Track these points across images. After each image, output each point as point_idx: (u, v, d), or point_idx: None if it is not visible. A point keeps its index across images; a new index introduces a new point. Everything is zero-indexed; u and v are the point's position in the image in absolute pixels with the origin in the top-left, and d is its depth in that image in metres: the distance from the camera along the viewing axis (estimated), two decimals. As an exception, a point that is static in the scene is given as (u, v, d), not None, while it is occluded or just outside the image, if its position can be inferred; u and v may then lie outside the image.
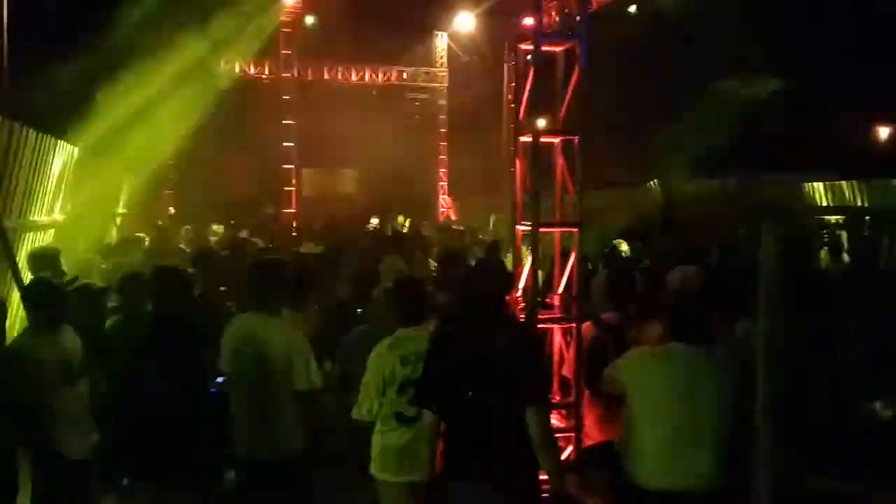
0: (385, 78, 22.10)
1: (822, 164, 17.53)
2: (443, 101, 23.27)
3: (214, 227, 12.09)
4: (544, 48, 4.70)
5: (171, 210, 20.09)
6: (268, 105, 20.72)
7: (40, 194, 7.50)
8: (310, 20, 19.64)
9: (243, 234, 11.22)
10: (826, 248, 8.25)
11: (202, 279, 5.62)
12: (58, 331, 4.07)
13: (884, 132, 21.30)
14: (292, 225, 17.74)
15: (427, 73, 22.83)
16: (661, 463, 3.43)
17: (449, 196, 23.72)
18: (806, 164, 17.95)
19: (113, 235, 11.15)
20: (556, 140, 4.87)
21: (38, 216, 7.49)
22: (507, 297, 4.45)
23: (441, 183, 23.57)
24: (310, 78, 20.90)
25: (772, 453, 3.52)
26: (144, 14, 15.99)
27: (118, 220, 11.94)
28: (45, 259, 5.84)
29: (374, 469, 4.23)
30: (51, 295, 4.16)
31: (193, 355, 3.94)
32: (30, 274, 5.79)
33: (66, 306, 4.18)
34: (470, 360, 3.40)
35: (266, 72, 20.58)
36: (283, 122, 20.22)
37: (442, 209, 23.35)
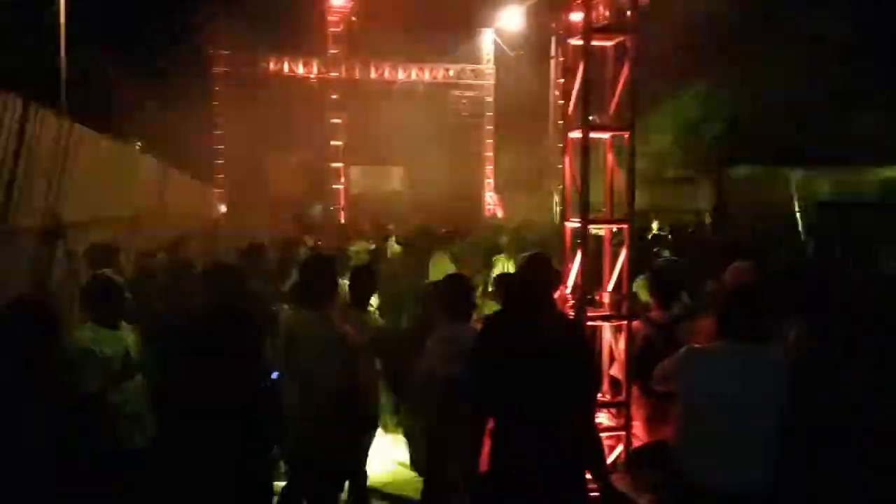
0: (432, 76, 22.18)
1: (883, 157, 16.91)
2: (489, 98, 23.26)
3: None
4: (594, 42, 4.65)
5: (222, 208, 20.47)
6: (316, 104, 20.96)
7: (101, 192, 7.71)
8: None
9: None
10: None
11: (252, 274, 5.69)
12: (116, 325, 4.16)
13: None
14: (340, 223, 17.92)
15: (473, 71, 22.83)
16: (715, 463, 3.37)
17: (495, 193, 23.70)
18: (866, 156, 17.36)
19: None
20: (607, 135, 4.81)
21: (100, 212, 7.69)
22: (555, 295, 4.43)
23: (487, 180, 23.56)
24: (357, 77, 21.09)
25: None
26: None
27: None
28: (103, 254, 5.98)
29: None
30: (110, 290, 4.25)
31: (249, 350, 3.98)
32: (88, 269, 5.95)
33: (124, 301, 4.27)
34: (518, 358, 3.38)
35: (314, 71, 20.83)
36: (331, 120, 20.42)
37: (488, 206, 23.33)
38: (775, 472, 3.36)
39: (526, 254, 5.45)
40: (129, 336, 4.14)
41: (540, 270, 4.55)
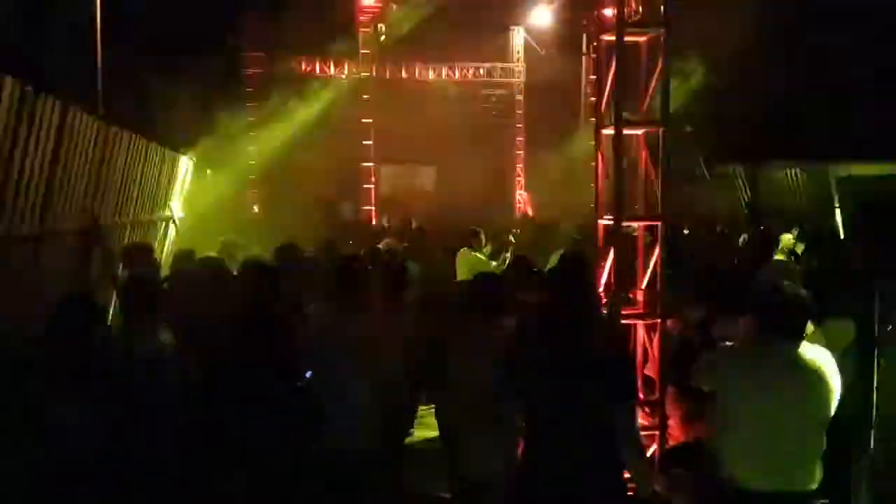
0: (462, 75, 22.15)
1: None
2: (520, 97, 23.17)
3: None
4: (627, 38, 4.60)
5: (256, 209, 20.66)
6: (347, 104, 21.05)
7: (138, 193, 7.83)
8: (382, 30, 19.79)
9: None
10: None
11: (286, 275, 5.73)
12: (152, 323, 4.21)
13: None
14: (372, 223, 17.98)
15: (503, 69, 22.76)
16: (752, 462, 3.31)
17: (526, 191, 23.61)
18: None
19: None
20: (640, 132, 4.77)
21: (142, 215, 7.82)
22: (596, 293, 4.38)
23: (518, 178, 23.48)
24: (388, 76, 21.14)
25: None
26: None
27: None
28: (138, 253, 6.07)
29: None
30: (146, 288, 4.31)
31: (282, 350, 4.01)
32: (123, 268, 6.05)
33: (160, 299, 4.32)
34: (559, 360, 3.33)
35: (346, 71, 20.91)
36: (362, 120, 20.49)
37: (519, 204, 23.26)
38: (817, 475, 3.30)
39: (562, 251, 5.43)
40: (164, 333, 4.18)
41: (582, 270, 4.51)
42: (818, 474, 3.32)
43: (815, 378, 3.33)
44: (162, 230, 8.99)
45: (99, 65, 9.18)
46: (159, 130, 10.67)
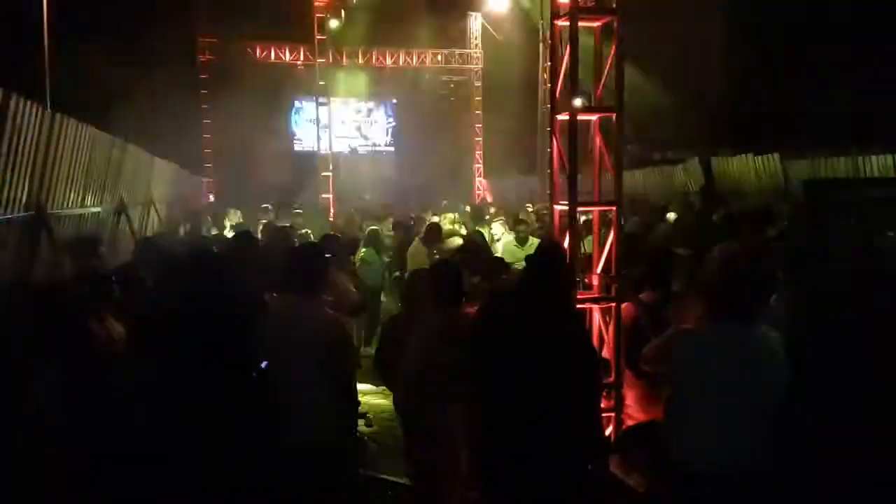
0: (420, 60, 22.05)
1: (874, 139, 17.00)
2: (477, 83, 23.17)
3: None
4: (581, 24, 4.61)
5: (211, 197, 20.37)
6: (304, 91, 20.84)
7: (83, 183, 7.64)
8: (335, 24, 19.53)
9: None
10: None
11: (240, 262, 5.66)
12: (103, 315, 4.13)
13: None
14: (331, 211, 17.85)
15: (461, 55, 22.72)
16: (706, 442, 3.37)
17: (485, 178, 23.66)
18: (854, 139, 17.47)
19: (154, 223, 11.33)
20: (594, 117, 4.79)
21: (83, 204, 7.63)
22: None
23: (476, 165, 23.51)
24: (345, 63, 20.95)
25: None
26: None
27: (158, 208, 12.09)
28: (85, 245, 5.94)
29: None
30: (95, 280, 4.22)
31: (235, 339, 3.96)
32: (70, 260, 5.90)
33: (110, 291, 4.24)
34: (524, 346, 3.32)
35: (301, 58, 20.68)
36: (320, 107, 20.30)
37: (478, 191, 23.30)
38: (770, 449, 3.37)
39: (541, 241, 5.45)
40: (113, 325, 4.10)
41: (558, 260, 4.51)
42: (769, 452, 3.39)
43: (766, 358, 3.39)
44: (113, 219, 8.78)
45: (46, 51, 8.92)
46: (110, 119, 10.43)
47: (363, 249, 9.28)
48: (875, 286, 3.56)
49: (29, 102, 5.87)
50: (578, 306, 4.58)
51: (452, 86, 24.19)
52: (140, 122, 15.35)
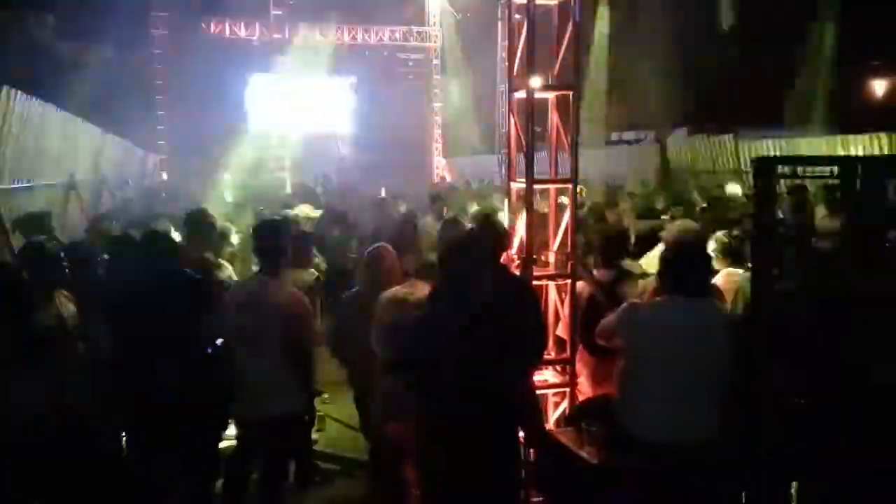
0: (377, 38, 21.82)
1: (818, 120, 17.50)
2: (436, 61, 23.02)
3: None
4: (538, 1, 4.62)
5: (164, 175, 19.99)
6: (259, 67, 20.49)
7: (32, 159, 7.45)
8: None
9: None
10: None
11: (194, 241, 5.59)
12: (53, 293, 4.05)
13: (879, 87, 21.16)
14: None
15: (419, 33, 22.54)
16: (657, 415, 3.46)
17: (443, 157, 23.61)
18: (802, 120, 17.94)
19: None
20: (551, 95, 4.81)
21: (39, 180, 7.46)
22: (500, 256, 4.43)
23: (435, 144, 23.42)
24: (301, 39, 20.62)
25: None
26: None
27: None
28: (35, 222, 5.81)
29: None
30: (44, 257, 4.13)
31: (187, 316, 3.93)
32: (20, 238, 5.77)
33: (61, 268, 4.16)
34: (457, 322, 3.35)
35: (257, 34, 20.31)
36: (276, 84, 20.00)
37: (437, 170, 23.25)
38: (720, 423, 3.47)
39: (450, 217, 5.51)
40: (65, 303, 4.03)
41: (481, 231, 4.54)
42: (719, 424, 3.49)
43: (713, 330, 3.48)
44: (64, 197, 8.59)
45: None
46: (61, 94, 10.16)
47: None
48: (813, 260, 3.68)
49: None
50: (535, 283, 4.62)
51: (411, 64, 24.01)
52: (91, 98, 14.98)
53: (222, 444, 4.58)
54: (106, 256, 5.31)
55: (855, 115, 18.43)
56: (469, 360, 3.27)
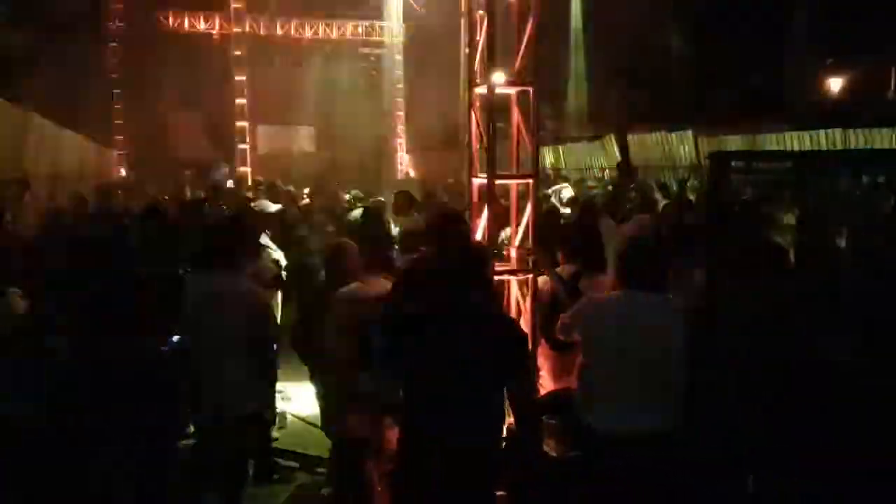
0: (340, 32, 21.67)
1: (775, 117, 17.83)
2: (399, 56, 22.95)
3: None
4: (498, -3, 4.62)
5: (123, 171, 19.65)
6: (219, 61, 20.22)
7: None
8: None
9: None
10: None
11: (151, 237, 5.49)
12: (5, 290, 3.96)
13: (835, 83, 21.65)
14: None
15: (382, 27, 22.43)
16: (615, 408, 3.49)
17: (408, 153, 23.56)
18: (759, 116, 18.25)
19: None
20: (512, 91, 4.82)
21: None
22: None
23: (399, 140, 23.36)
24: (262, 33, 20.41)
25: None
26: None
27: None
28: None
29: None
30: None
31: (142, 313, 3.86)
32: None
33: (11, 265, 4.07)
34: (446, 321, 3.29)
35: (216, 27, 20.04)
36: (236, 78, 19.76)
37: (400, 166, 23.20)
38: (677, 415, 3.51)
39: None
40: (13, 302, 3.94)
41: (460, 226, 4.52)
42: (676, 416, 3.53)
43: (668, 323, 3.53)
44: (16, 192, 8.38)
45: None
46: (14, 86, 9.92)
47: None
48: (765, 251, 3.76)
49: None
50: (496, 278, 4.63)
51: (373, 59, 23.89)
52: (46, 91, 14.66)
53: (182, 443, 4.53)
54: (60, 254, 5.19)
55: (810, 111, 18.83)
56: (462, 363, 3.18)
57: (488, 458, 3.23)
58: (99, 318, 3.83)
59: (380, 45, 23.02)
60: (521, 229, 4.86)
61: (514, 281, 4.82)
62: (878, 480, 3.31)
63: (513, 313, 4.82)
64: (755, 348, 3.46)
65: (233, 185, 14.53)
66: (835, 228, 5.34)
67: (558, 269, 4.79)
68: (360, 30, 22.01)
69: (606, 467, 3.47)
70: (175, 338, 4.25)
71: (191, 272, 4.87)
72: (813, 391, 3.40)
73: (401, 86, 22.99)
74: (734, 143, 15.88)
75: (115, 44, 19.68)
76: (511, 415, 3.37)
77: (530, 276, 4.71)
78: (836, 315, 3.48)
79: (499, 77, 4.69)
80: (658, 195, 10.39)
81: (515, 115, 4.88)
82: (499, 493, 4.28)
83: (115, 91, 19.82)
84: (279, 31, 20.78)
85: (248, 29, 19.93)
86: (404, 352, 3.25)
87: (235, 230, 4.48)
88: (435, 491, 3.19)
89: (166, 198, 10.68)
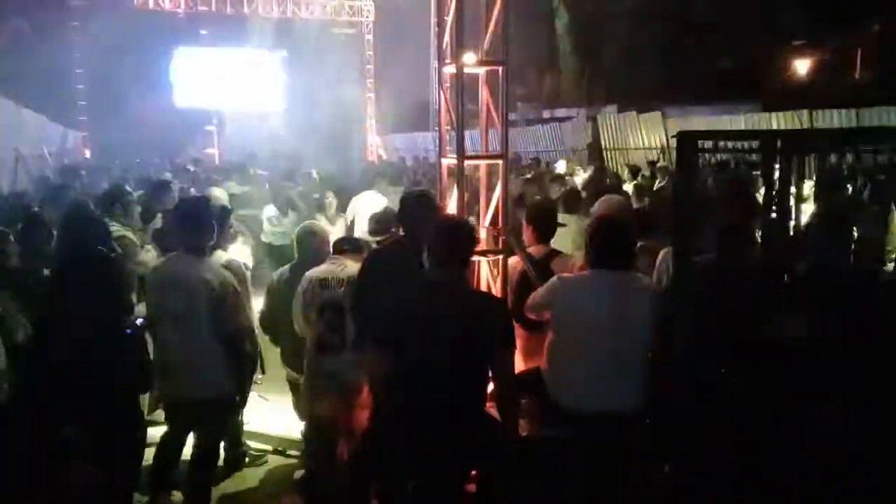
0: (309, 12, 21.38)
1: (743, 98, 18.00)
2: (369, 37, 22.74)
3: None
4: (466, -26, 4.57)
5: (87, 153, 19.29)
6: (185, 40, 19.87)
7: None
8: None
9: None
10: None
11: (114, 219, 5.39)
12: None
13: (802, 65, 21.87)
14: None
15: (352, 8, 22.19)
16: (584, 386, 3.51)
17: (378, 135, 23.42)
18: (728, 97, 18.42)
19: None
20: (481, 70, 4.78)
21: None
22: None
23: (370, 121, 23.19)
24: (228, 11, 20.07)
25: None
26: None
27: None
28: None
29: None
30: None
31: (107, 296, 3.79)
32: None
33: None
34: (429, 301, 3.28)
35: (182, 5, 19.67)
36: (203, 59, 19.45)
37: (371, 148, 23.06)
38: (646, 393, 3.54)
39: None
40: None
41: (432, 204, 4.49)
42: (643, 394, 3.56)
43: (635, 302, 3.55)
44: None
45: None
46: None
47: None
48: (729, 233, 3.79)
49: None
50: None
51: (343, 39, 23.64)
52: (5, 70, 14.32)
53: (152, 429, 4.49)
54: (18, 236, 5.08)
55: (778, 93, 19.03)
56: (439, 338, 3.18)
57: (466, 433, 3.25)
58: (60, 300, 3.77)
59: (350, 25, 22.78)
60: (490, 209, 4.86)
61: (483, 262, 4.82)
62: (834, 458, 3.33)
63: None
64: (719, 328, 3.48)
65: (199, 168, 14.34)
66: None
67: (530, 250, 4.79)
68: (328, 9, 21.73)
69: (575, 446, 3.49)
70: (139, 320, 4.19)
71: (155, 254, 4.81)
72: (772, 371, 3.43)
73: (370, 67, 22.80)
74: (701, 123, 16.00)
75: (76, 23, 19.24)
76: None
77: (500, 256, 4.71)
78: (793, 294, 3.52)
79: (469, 57, 4.65)
80: (627, 176, 10.47)
81: (485, 95, 4.86)
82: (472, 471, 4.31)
83: (77, 71, 19.42)
84: (246, 10, 20.44)
85: (214, 8, 19.59)
86: (390, 332, 3.26)
87: (198, 212, 4.39)
88: (409, 467, 3.22)
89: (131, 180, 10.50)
